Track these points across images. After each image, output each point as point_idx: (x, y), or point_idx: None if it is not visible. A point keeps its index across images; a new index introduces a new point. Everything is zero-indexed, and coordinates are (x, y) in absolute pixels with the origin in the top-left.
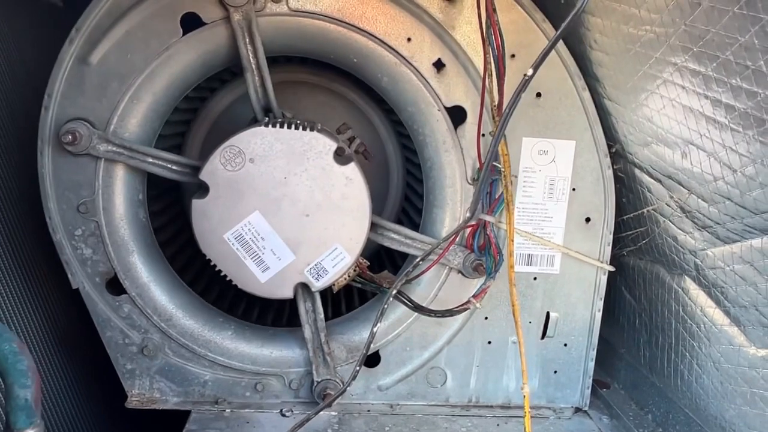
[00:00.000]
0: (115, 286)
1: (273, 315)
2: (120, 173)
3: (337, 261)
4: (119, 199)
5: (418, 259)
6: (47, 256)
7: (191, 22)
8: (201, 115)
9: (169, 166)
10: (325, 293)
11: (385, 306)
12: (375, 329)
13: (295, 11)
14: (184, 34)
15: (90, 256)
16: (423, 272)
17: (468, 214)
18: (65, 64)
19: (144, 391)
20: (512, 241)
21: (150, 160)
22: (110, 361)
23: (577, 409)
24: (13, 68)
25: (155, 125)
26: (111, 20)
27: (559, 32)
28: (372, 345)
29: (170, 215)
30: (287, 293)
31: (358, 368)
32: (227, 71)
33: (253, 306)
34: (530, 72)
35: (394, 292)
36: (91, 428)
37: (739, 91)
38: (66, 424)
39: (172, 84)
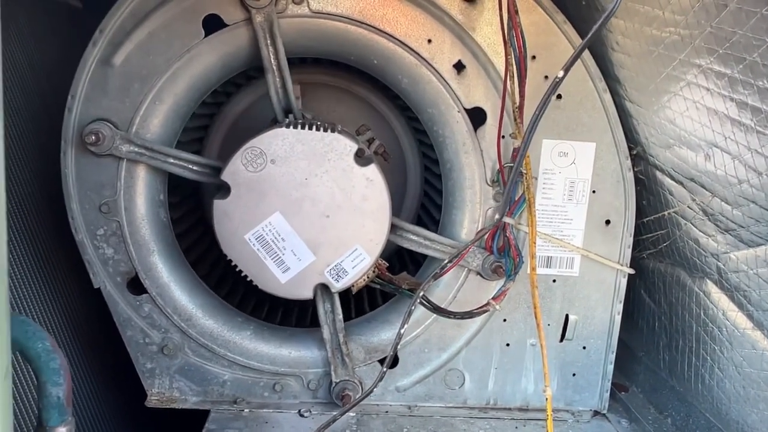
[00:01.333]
0: (135, 286)
1: (296, 316)
2: (141, 173)
3: (357, 262)
4: (141, 199)
5: (445, 262)
6: (69, 255)
7: (213, 24)
8: (218, 118)
9: (190, 166)
10: (347, 294)
11: (413, 308)
12: (402, 330)
13: (316, 12)
14: (206, 36)
15: (111, 256)
16: (443, 273)
17: (497, 216)
18: (89, 65)
19: (164, 391)
20: (534, 243)
21: (171, 160)
22: (131, 360)
23: (596, 413)
24: (34, 69)
25: (176, 126)
26: (134, 22)
27: (591, 34)
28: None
29: (192, 221)
30: (307, 294)
31: (385, 369)
32: (243, 75)
33: (277, 308)
34: (561, 74)
35: (422, 293)
36: (112, 427)
37: (766, 94)
38: (87, 423)
39: (194, 85)
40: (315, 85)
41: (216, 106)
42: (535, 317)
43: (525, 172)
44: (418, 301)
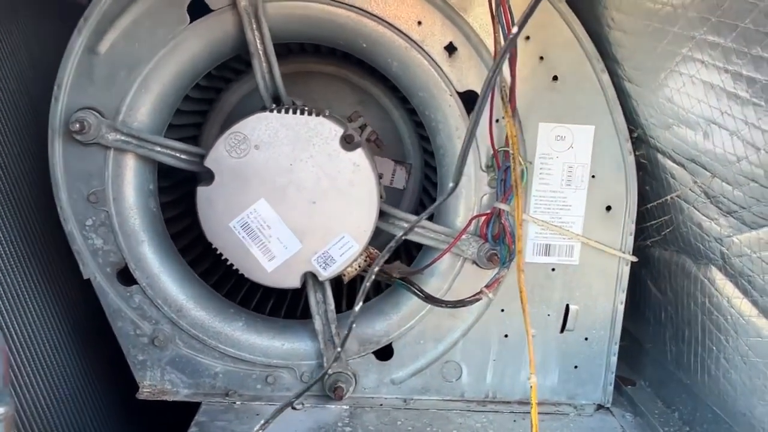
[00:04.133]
0: (125, 277)
1: (286, 308)
2: (130, 163)
3: (344, 250)
4: (129, 188)
5: (400, 235)
6: (61, 246)
7: (198, 10)
8: (217, 106)
9: (178, 155)
10: (340, 284)
11: (367, 284)
12: (357, 308)
13: None
14: (191, 22)
15: (101, 246)
16: (434, 261)
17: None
18: (74, 54)
19: (155, 383)
20: (520, 225)
21: (159, 149)
22: (122, 352)
23: (599, 406)
24: (35, 65)
25: (165, 114)
26: (118, 9)
27: None
28: (385, 337)
29: (184, 206)
30: (294, 282)
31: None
32: (243, 62)
33: (267, 298)
34: (515, 30)
35: (376, 269)
36: (105, 418)
37: (760, 62)
38: (80, 414)
39: (181, 72)
40: (309, 73)
41: (215, 91)
42: (521, 302)
43: (511, 152)
44: (401, 288)
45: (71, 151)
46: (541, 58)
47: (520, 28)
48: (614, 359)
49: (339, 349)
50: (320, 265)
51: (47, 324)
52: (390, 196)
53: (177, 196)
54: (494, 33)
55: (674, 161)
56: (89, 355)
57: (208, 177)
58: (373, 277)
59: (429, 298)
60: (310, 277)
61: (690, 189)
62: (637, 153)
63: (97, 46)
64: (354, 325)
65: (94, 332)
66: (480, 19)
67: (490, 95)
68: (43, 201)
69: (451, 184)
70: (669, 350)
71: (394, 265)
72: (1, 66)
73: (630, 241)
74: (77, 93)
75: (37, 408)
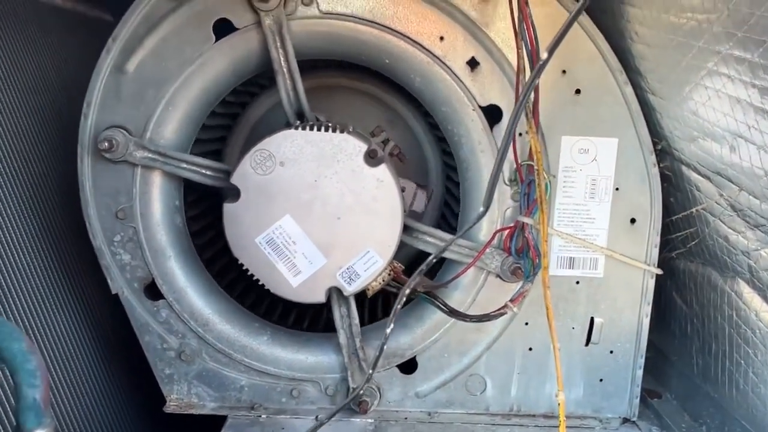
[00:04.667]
0: (152, 292)
1: (309, 320)
2: (157, 180)
3: (369, 265)
4: (156, 205)
5: (432, 256)
6: (89, 261)
7: (224, 28)
8: (242, 120)
9: (203, 171)
10: (363, 298)
11: (398, 307)
12: (388, 330)
13: (325, 13)
14: (216, 41)
15: (128, 262)
16: (458, 275)
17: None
18: (103, 72)
19: (182, 396)
20: (545, 241)
21: (185, 165)
22: (150, 366)
23: (625, 420)
24: (65, 82)
25: (190, 131)
26: (146, 29)
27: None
28: (409, 351)
29: (209, 219)
30: (319, 297)
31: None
32: (266, 77)
33: (289, 311)
34: (545, 55)
35: (407, 291)
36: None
37: None
38: (108, 427)
39: (207, 90)
40: (332, 88)
41: (240, 106)
42: (548, 318)
43: (536, 167)
44: (427, 302)
45: (100, 169)
46: (564, 71)
47: (550, 54)
48: (640, 372)
49: (371, 371)
50: (345, 280)
51: (76, 338)
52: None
53: (201, 210)
54: (517, 49)
55: (699, 174)
56: (116, 369)
57: (234, 193)
58: (404, 299)
59: (453, 312)
60: (334, 291)
61: (716, 202)
62: (661, 165)
63: (126, 65)
64: (385, 347)
65: (121, 346)
66: (502, 33)
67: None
68: (73, 217)
69: (481, 209)
70: (696, 363)
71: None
72: (31, 84)
73: (655, 253)
74: (106, 111)
75: (67, 422)
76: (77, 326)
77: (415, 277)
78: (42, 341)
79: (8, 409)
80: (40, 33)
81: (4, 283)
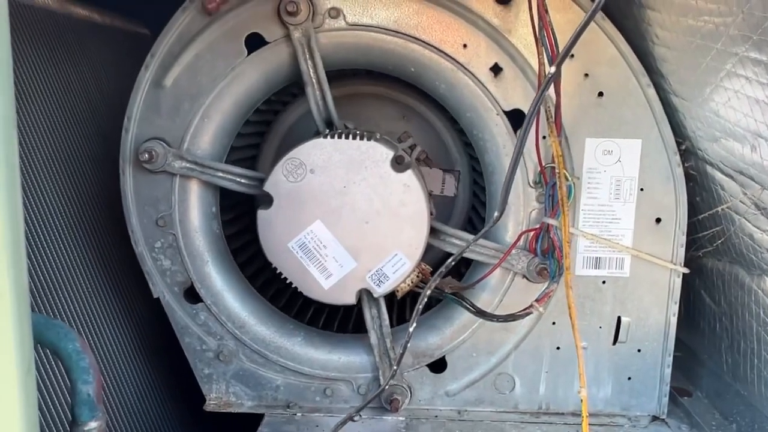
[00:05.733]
0: (191, 295)
1: (339, 321)
2: (194, 188)
3: (397, 267)
4: (194, 212)
5: (456, 255)
6: (132, 267)
7: (255, 42)
8: (275, 127)
9: (238, 179)
10: (392, 300)
11: (420, 307)
12: (411, 329)
13: (352, 25)
14: (248, 54)
15: (169, 267)
16: (485, 276)
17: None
18: (142, 88)
19: (221, 395)
20: (567, 242)
21: (220, 174)
22: (190, 366)
23: (654, 418)
24: (105, 96)
25: (225, 141)
26: (181, 45)
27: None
28: (438, 351)
29: (244, 223)
30: (350, 299)
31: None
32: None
33: (320, 312)
34: (553, 69)
35: (428, 292)
36: (173, 428)
37: None
38: (152, 424)
39: (239, 102)
40: (362, 95)
41: (273, 113)
42: (570, 318)
43: (557, 170)
44: (455, 303)
45: (141, 179)
46: (586, 75)
47: (558, 66)
48: (668, 371)
49: (395, 368)
50: (374, 282)
51: (121, 340)
52: (442, 205)
53: (237, 214)
54: (538, 54)
55: (723, 173)
56: (158, 369)
57: (267, 200)
58: (426, 299)
59: (480, 313)
60: (365, 293)
61: (740, 200)
62: (686, 165)
63: (163, 80)
64: (408, 345)
65: (163, 347)
66: (524, 39)
67: (534, 118)
68: (116, 226)
69: (495, 214)
70: (725, 361)
71: (446, 280)
72: (74, 98)
73: (681, 252)
74: (145, 124)
75: (113, 417)
76: (122, 329)
77: (436, 279)
78: (90, 342)
79: (65, 403)
80: (79, 48)
81: (55, 289)
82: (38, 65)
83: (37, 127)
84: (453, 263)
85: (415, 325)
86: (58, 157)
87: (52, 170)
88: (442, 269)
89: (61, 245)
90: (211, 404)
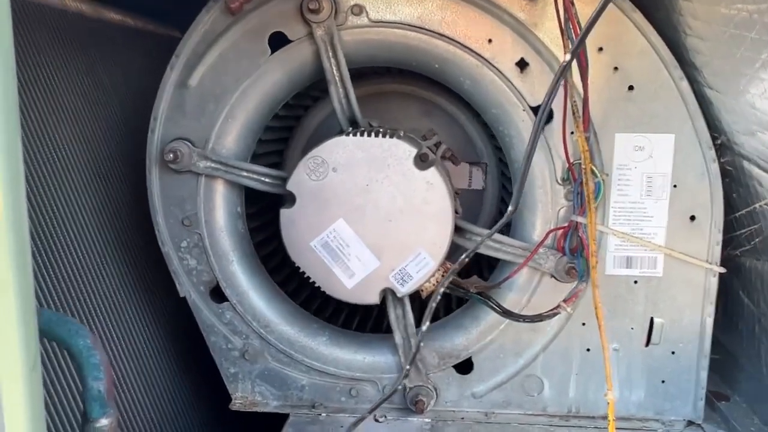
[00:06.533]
0: (217, 294)
1: (372, 323)
2: (219, 188)
3: (421, 266)
4: (219, 212)
5: (470, 250)
6: (159, 267)
7: (278, 41)
8: (303, 124)
9: (262, 179)
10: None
11: (433, 305)
12: (424, 328)
13: (375, 22)
14: (272, 53)
15: (195, 266)
16: (511, 275)
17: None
18: (167, 88)
19: (246, 394)
20: (593, 240)
21: (245, 174)
22: (216, 365)
23: (690, 423)
24: (135, 98)
25: (249, 141)
26: (205, 45)
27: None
28: (465, 351)
29: (272, 229)
30: (373, 299)
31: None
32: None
33: (353, 314)
34: (567, 57)
35: (441, 290)
36: (199, 427)
37: None
38: (179, 424)
39: (263, 101)
40: (387, 94)
41: (294, 119)
42: (597, 318)
43: (583, 167)
44: (479, 302)
45: (167, 179)
46: (616, 68)
47: (573, 55)
48: (704, 374)
49: (407, 367)
50: (398, 282)
51: (148, 339)
52: (472, 199)
53: (265, 220)
54: (564, 48)
55: (761, 168)
56: (185, 368)
57: (290, 199)
58: (439, 297)
59: (506, 313)
60: (389, 293)
61: None
62: (722, 160)
63: (188, 80)
64: (422, 344)
65: (190, 346)
66: (551, 33)
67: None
68: (143, 226)
69: (510, 208)
70: (765, 364)
71: (471, 279)
72: (106, 101)
73: (717, 251)
74: (171, 124)
75: (138, 413)
76: (149, 327)
77: (450, 276)
78: (117, 341)
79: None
80: (111, 50)
81: (83, 288)
82: (70, 67)
83: (66, 128)
84: (467, 259)
85: (428, 324)
86: (86, 158)
87: (80, 171)
88: (456, 266)
89: (90, 245)
90: (237, 403)
